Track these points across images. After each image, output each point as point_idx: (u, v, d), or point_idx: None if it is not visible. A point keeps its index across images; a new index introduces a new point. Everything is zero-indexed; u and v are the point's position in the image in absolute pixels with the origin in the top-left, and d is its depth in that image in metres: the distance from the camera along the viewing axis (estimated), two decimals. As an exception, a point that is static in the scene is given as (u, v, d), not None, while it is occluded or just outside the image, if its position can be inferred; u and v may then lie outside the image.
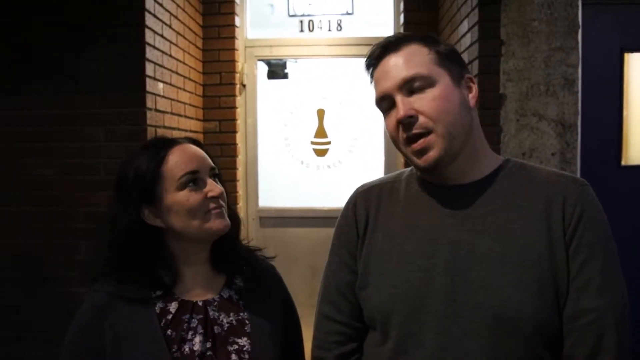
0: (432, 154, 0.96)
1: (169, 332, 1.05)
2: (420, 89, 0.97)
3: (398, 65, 0.99)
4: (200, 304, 1.10)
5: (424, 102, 0.96)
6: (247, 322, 1.12)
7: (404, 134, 0.98)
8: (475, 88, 1.03)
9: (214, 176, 1.12)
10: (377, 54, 1.03)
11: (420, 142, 0.96)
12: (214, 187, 1.08)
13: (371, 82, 1.06)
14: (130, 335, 1.03)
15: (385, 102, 1.01)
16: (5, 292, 2.37)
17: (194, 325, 1.07)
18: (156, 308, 1.07)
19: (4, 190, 2.38)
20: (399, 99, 0.97)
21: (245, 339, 1.09)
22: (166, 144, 1.11)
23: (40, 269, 2.36)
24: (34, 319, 2.32)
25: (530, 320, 0.91)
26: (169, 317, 1.07)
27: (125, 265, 1.08)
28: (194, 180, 1.07)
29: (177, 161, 1.07)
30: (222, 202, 1.10)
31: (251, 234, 3.36)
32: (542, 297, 0.92)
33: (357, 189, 1.15)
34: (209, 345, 1.06)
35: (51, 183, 2.35)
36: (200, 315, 1.09)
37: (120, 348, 1.03)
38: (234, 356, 1.07)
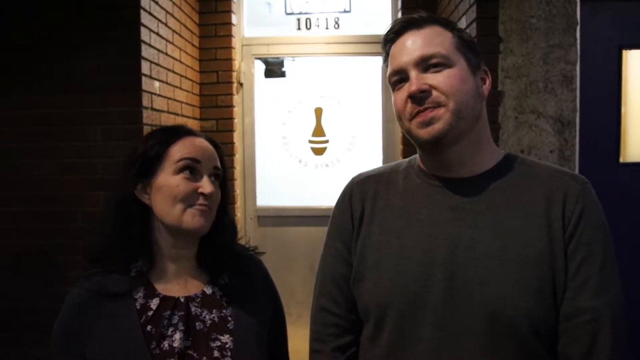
0: (437, 126, 0.95)
1: (148, 328, 1.04)
2: (437, 68, 0.96)
3: (417, 42, 0.98)
4: (182, 300, 1.08)
5: (439, 79, 0.95)
6: (230, 319, 1.10)
7: (412, 108, 0.96)
8: (489, 81, 1.03)
9: (215, 176, 1.11)
10: (397, 29, 1.01)
11: (427, 113, 0.95)
12: (207, 185, 1.07)
13: (385, 60, 1.04)
14: (109, 332, 1.02)
15: (397, 77, 1.00)
16: (9, 293, 2.35)
17: (175, 322, 1.06)
18: (137, 304, 1.05)
19: (3, 190, 2.37)
20: (414, 74, 0.96)
21: (227, 336, 1.08)
22: (182, 131, 1.11)
23: (40, 269, 2.34)
24: (42, 319, 2.31)
25: (527, 318, 0.91)
26: (150, 313, 1.05)
27: (115, 241, 1.07)
28: (191, 168, 1.07)
29: (183, 146, 1.08)
30: (209, 203, 1.08)
31: (249, 233, 3.35)
32: (541, 295, 0.91)
33: (353, 179, 1.14)
34: (189, 342, 1.05)
35: (49, 183, 2.33)
36: (181, 312, 1.07)
37: (99, 344, 1.02)
38: (216, 353, 1.05)
